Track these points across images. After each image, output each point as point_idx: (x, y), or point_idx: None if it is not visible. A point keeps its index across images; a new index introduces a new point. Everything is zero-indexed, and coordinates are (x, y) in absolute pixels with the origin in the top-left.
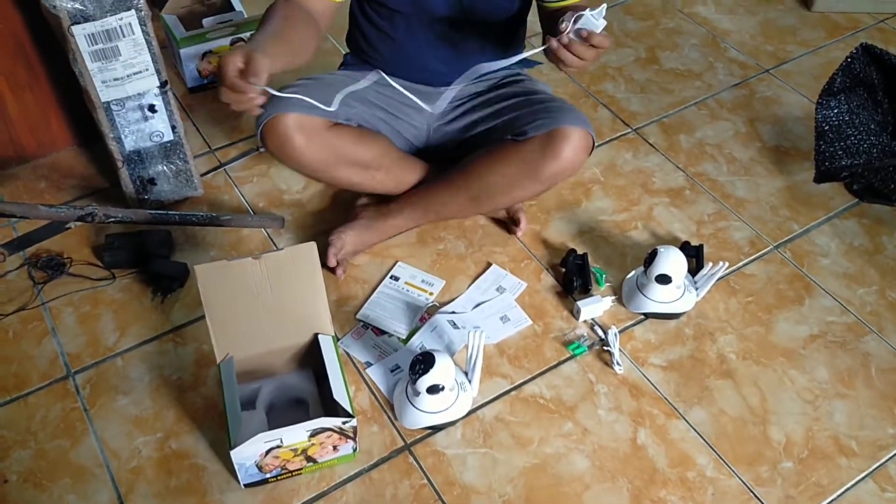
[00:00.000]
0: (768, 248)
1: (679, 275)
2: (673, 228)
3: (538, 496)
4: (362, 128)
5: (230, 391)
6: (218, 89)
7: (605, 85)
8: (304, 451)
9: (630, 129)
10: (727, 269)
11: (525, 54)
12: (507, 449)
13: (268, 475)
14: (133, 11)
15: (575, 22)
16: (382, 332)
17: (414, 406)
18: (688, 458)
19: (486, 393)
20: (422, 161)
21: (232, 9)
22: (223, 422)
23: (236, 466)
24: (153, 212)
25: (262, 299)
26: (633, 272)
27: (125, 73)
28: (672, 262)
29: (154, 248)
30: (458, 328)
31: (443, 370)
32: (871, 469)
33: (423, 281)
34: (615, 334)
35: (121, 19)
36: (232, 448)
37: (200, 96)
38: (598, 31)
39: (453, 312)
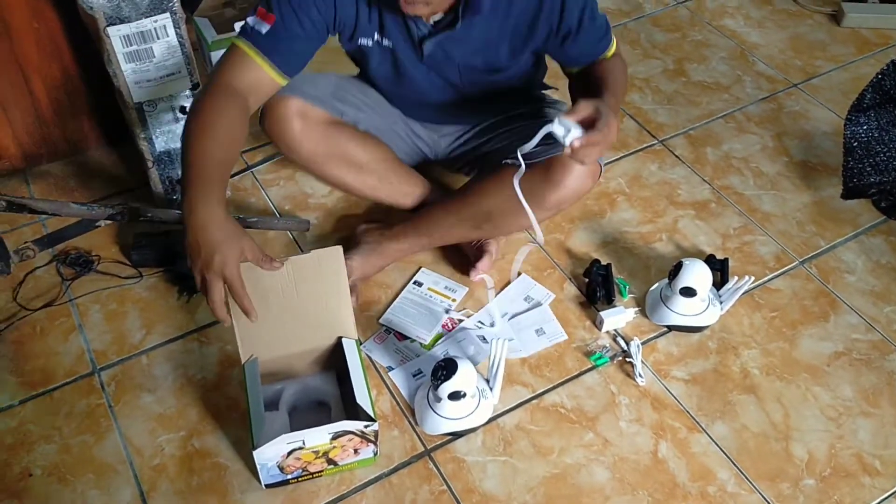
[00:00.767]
0: (794, 264)
1: (704, 288)
2: (698, 241)
3: None
4: (367, 133)
5: (254, 392)
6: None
7: (632, 96)
8: (326, 453)
9: (656, 141)
10: (752, 283)
11: (544, 130)
12: (528, 458)
13: (289, 476)
14: (168, 14)
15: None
16: (405, 337)
17: (435, 412)
18: (709, 473)
19: (507, 401)
20: (421, 177)
21: None
22: (245, 422)
23: (258, 467)
24: (182, 212)
25: (288, 301)
26: (657, 284)
27: (158, 74)
28: (697, 274)
29: (181, 248)
30: (486, 343)
31: (465, 377)
32: (895, 489)
33: (446, 287)
34: (638, 346)
35: (155, 21)
36: (255, 448)
37: None
38: (563, 140)
39: (481, 324)
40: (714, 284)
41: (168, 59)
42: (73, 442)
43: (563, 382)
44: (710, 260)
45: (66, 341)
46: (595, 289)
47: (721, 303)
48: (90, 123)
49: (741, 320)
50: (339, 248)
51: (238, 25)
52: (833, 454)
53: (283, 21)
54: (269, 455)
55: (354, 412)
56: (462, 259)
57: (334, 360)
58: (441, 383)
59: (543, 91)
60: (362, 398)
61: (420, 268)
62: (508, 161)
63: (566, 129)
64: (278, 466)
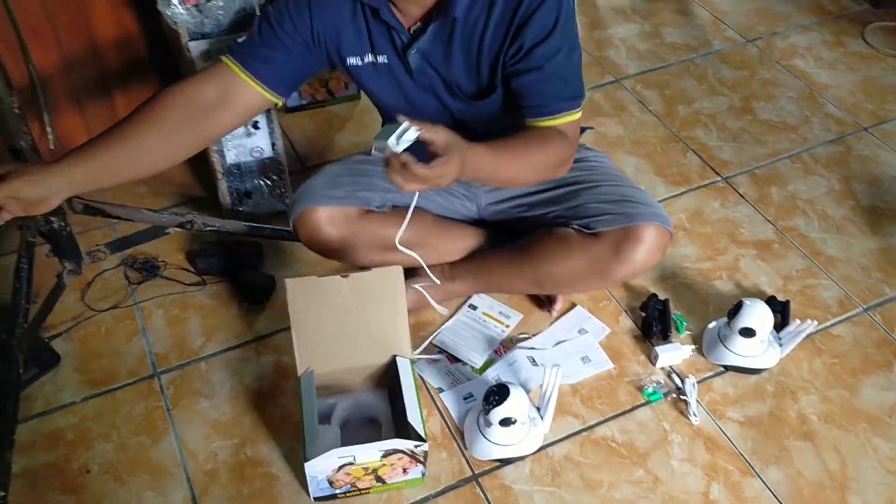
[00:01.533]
0: (857, 310)
1: (764, 329)
2: (759, 281)
3: None
4: (397, 208)
5: (309, 404)
6: None
7: (697, 131)
8: (375, 470)
9: (720, 178)
10: (815, 328)
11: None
12: (576, 490)
13: (337, 491)
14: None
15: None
16: (457, 360)
17: (485, 437)
18: None
19: (557, 431)
20: (467, 227)
21: None
22: (297, 433)
23: (308, 479)
24: (248, 224)
25: (347, 317)
26: (715, 322)
27: None
28: (758, 315)
29: (245, 259)
30: (536, 365)
31: (517, 403)
32: None
33: (500, 313)
34: (693, 384)
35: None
36: (306, 460)
37: (298, 116)
38: (395, 150)
39: (533, 348)
40: (774, 326)
41: None
42: (130, 442)
43: (614, 416)
44: (771, 301)
45: (130, 343)
46: (651, 323)
47: (781, 345)
48: None
49: (801, 365)
50: (400, 269)
51: None
52: None
53: (260, 33)
54: (319, 468)
55: (405, 431)
56: (532, 300)
57: (387, 377)
58: (493, 408)
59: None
60: (414, 417)
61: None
62: (576, 226)
63: (400, 136)
64: (328, 480)
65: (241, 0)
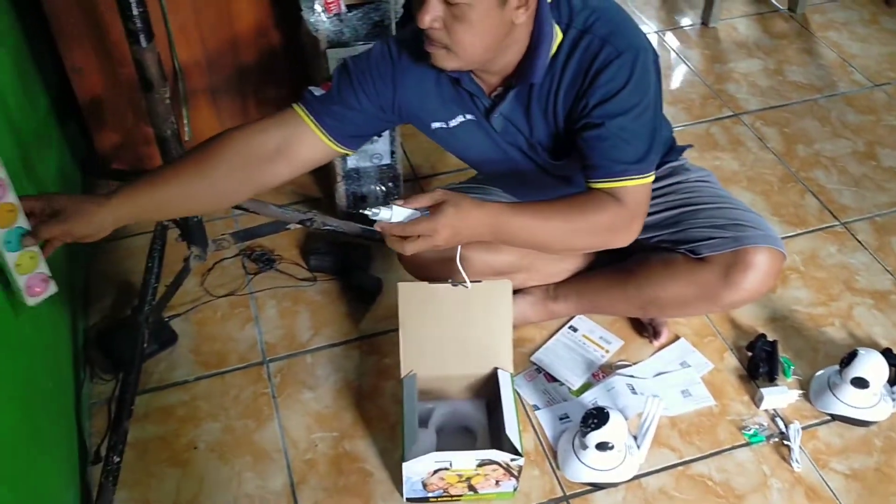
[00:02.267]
0: None
1: (878, 381)
2: (873, 332)
3: None
4: None
5: (410, 406)
6: None
7: (817, 173)
8: (469, 479)
9: (838, 223)
10: None
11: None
12: None
13: (430, 494)
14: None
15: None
16: (554, 379)
17: (579, 459)
18: None
19: (652, 462)
20: None
21: None
22: (393, 434)
23: (404, 479)
24: (363, 227)
25: (453, 325)
26: (825, 369)
27: None
28: (873, 366)
29: (355, 260)
30: (635, 393)
31: (615, 429)
32: None
33: (601, 337)
34: (797, 430)
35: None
36: (405, 461)
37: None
38: (378, 218)
39: (632, 376)
40: (888, 380)
41: None
42: (236, 424)
43: (713, 454)
44: (886, 353)
45: (242, 330)
46: (758, 364)
47: (894, 400)
48: None
49: None
50: (509, 283)
51: None
52: None
53: (338, 89)
54: (416, 469)
55: (499, 443)
56: (634, 327)
57: (486, 389)
58: (591, 431)
59: (670, 150)
60: (512, 431)
61: None
62: (682, 250)
63: (390, 210)
64: (422, 482)
65: (380, 12)
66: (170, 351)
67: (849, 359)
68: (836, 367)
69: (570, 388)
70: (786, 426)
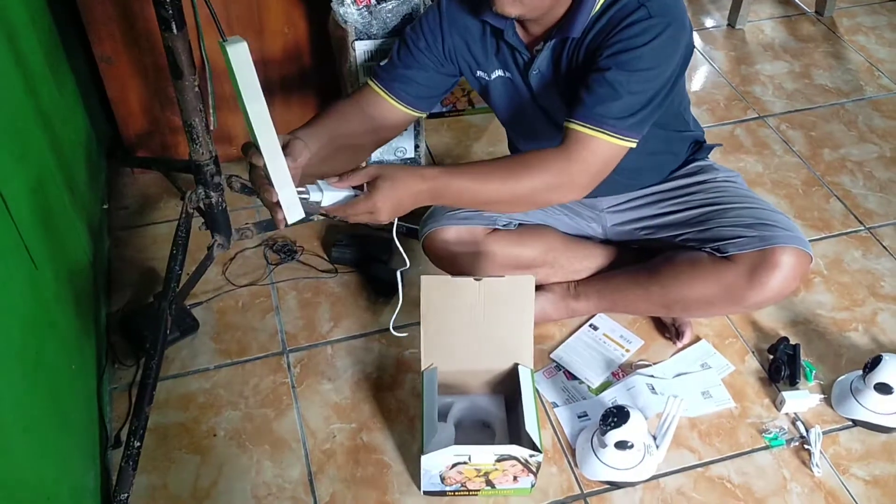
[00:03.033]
0: None
1: None
2: None
3: None
4: (523, 225)
5: (430, 399)
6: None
7: (842, 177)
8: (487, 473)
9: (863, 227)
10: None
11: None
12: None
13: (447, 488)
14: (387, 58)
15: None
16: (573, 377)
17: (598, 457)
18: None
19: (671, 462)
20: (593, 246)
21: None
22: (412, 427)
23: (422, 472)
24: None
25: (475, 319)
26: (848, 374)
27: None
28: None
29: (376, 253)
30: (655, 393)
31: (635, 428)
32: None
33: (621, 336)
34: (818, 434)
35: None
36: (424, 453)
37: (437, 122)
38: (309, 200)
39: (652, 376)
40: None
41: None
42: (255, 413)
43: (732, 456)
44: None
45: (263, 320)
46: (779, 367)
47: None
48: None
49: None
50: (532, 278)
51: None
52: None
53: (398, 54)
54: (434, 463)
55: (518, 439)
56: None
57: (505, 384)
58: (610, 430)
59: (698, 149)
60: (531, 427)
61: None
62: (707, 249)
63: (320, 192)
64: (440, 476)
65: (410, 5)
66: (191, 338)
67: (872, 364)
68: (859, 371)
69: (589, 387)
70: (806, 430)
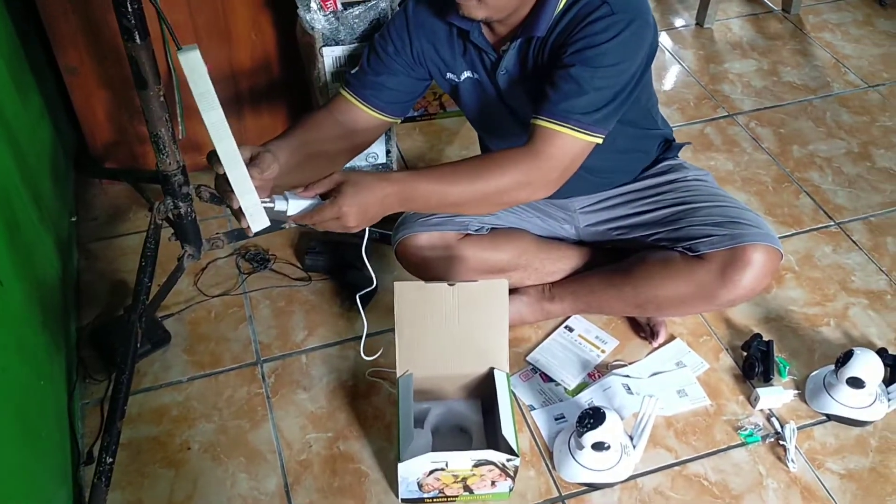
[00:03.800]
0: None
1: (873, 381)
2: (868, 332)
3: None
4: (495, 230)
5: (405, 406)
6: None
7: (811, 173)
8: (464, 479)
9: (833, 223)
10: None
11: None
12: None
13: (425, 495)
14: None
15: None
16: (549, 379)
17: (575, 459)
18: None
19: (648, 462)
20: (567, 247)
21: None
22: (389, 434)
23: (399, 480)
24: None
25: (449, 325)
26: (820, 369)
27: None
28: (868, 366)
29: (349, 260)
30: (631, 393)
31: (611, 429)
32: None
33: (596, 337)
34: (793, 430)
35: (360, 50)
36: (400, 461)
37: (409, 126)
38: (275, 209)
39: (628, 376)
40: (883, 380)
41: None
42: (230, 424)
43: (709, 454)
44: (881, 353)
45: (236, 330)
46: (753, 364)
47: (889, 400)
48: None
49: None
50: (506, 282)
51: None
52: None
53: (368, 61)
54: (411, 470)
55: (495, 443)
56: (632, 328)
57: (482, 388)
58: (586, 431)
59: (668, 148)
60: (508, 431)
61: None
62: (679, 248)
63: (286, 201)
64: (418, 483)
65: (377, 10)
66: (163, 351)
67: (844, 359)
68: (832, 367)
69: (565, 389)
70: (781, 426)
